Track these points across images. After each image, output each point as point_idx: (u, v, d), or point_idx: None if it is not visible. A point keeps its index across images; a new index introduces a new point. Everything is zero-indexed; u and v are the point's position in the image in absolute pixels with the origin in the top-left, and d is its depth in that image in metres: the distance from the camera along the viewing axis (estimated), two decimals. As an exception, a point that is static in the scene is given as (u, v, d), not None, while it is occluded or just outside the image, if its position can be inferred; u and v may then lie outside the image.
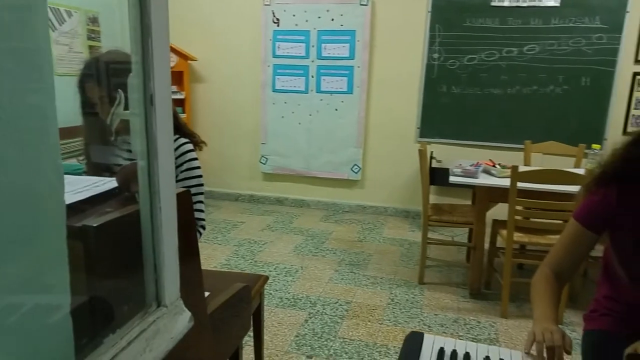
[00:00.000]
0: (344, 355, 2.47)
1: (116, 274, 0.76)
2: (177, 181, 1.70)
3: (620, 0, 4.05)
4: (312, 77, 4.77)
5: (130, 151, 1.48)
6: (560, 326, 1.24)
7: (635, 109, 4.24)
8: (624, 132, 4.27)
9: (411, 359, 1.11)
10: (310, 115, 4.86)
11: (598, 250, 1.49)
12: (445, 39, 4.42)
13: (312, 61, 4.75)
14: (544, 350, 1.16)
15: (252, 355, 2.18)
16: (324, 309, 2.95)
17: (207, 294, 1.55)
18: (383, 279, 3.42)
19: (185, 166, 1.73)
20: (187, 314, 0.82)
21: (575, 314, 2.92)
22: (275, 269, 3.53)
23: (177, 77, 4.87)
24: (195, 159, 1.77)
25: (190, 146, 1.75)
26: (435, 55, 4.47)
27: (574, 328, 2.78)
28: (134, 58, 0.68)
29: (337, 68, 4.70)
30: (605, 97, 4.21)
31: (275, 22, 4.75)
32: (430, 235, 3.44)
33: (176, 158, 1.72)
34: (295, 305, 2.99)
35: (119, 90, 0.77)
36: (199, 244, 3.62)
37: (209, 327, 1.18)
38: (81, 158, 1.67)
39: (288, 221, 4.67)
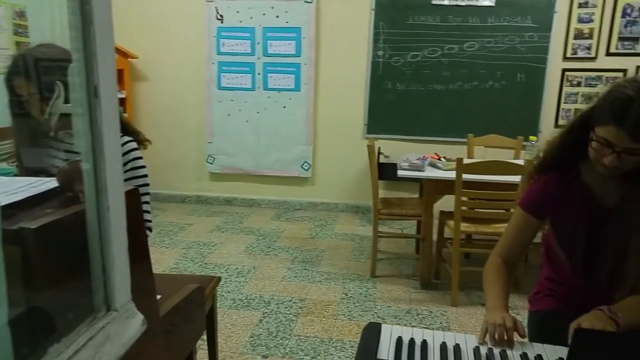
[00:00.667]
0: (300, 352, 2.46)
1: (60, 279, 0.71)
2: None
3: (549, 1, 4.25)
4: (259, 74, 4.72)
5: (68, 151, 1.41)
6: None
7: (565, 103, 4.47)
8: (556, 124, 4.49)
9: (370, 350, 1.12)
10: (257, 113, 4.81)
11: (537, 237, 1.57)
12: (390, 36, 4.49)
13: (258, 58, 4.70)
14: (496, 334, 1.20)
15: (207, 359, 2.13)
16: (278, 308, 2.93)
17: (158, 297, 1.50)
18: (336, 274, 3.44)
19: (129, 165, 1.66)
20: (140, 317, 0.78)
21: (519, 298, 3.04)
22: (226, 270, 3.47)
23: (118, 76, 4.68)
24: (140, 157, 1.70)
25: (134, 144, 1.68)
26: (380, 53, 4.54)
27: (518, 311, 2.89)
28: (74, 45, 0.64)
29: (284, 65, 4.68)
30: (539, 92, 4.41)
31: (219, 19, 4.67)
32: (380, 228, 3.48)
33: None
34: (248, 306, 2.95)
35: (58, 82, 0.72)
36: (147, 248, 3.45)
37: (161, 331, 1.14)
38: (12, 161, 1.57)
39: (238, 221, 4.61)
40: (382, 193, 4.58)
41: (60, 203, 0.77)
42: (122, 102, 4.71)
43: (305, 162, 4.87)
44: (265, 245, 3.99)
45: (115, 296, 0.72)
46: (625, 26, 4.25)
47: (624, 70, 4.26)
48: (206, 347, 2.10)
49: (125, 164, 1.65)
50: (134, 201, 0.92)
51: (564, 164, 1.42)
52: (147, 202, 1.73)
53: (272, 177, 5.00)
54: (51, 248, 0.69)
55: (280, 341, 2.56)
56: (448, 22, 4.38)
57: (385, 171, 4.46)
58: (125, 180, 1.64)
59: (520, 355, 1.15)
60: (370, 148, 3.33)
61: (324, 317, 2.83)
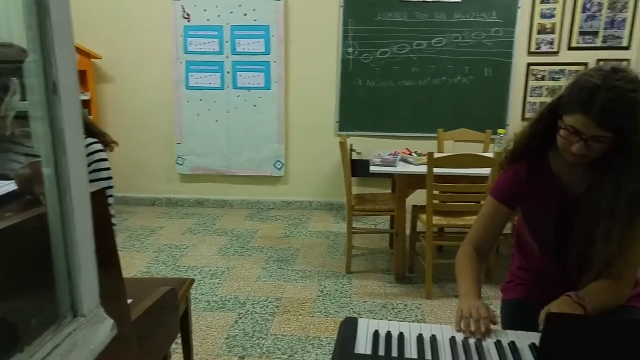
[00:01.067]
0: (277, 352, 2.44)
1: (22, 285, 0.68)
2: None
3: (513, -3, 4.34)
4: (228, 73, 4.67)
5: (29, 155, 1.36)
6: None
7: (531, 96, 4.57)
8: (523, 117, 4.59)
9: (348, 345, 1.12)
10: (228, 112, 4.76)
11: (507, 228, 1.59)
12: (359, 33, 4.50)
13: (227, 57, 4.65)
14: (472, 324, 1.21)
15: (182, 363, 2.10)
16: (254, 308, 2.90)
17: (129, 301, 1.46)
18: (312, 272, 3.43)
19: (93, 167, 1.61)
20: (109, 322, 0.76)
21: (491, 289, 3.09)
22: (200, 272, 3.42)
23: (81, 77, 4.54)
24: (105, 159, 1.65)
25: (99, 146, 1.64)
26: (350, 50, 4.54)
27: (491, 301, 2.94)
28: (31, 46, 0.61)
29: (253, 64, 4.64)
30: (506, 86, 4.50)
31: (185, 18, 4.59)
32: (354, 225, 3.49)
33: None
34: (224, 307, 2.91)
35: (13, 79, 0.69)
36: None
37: (134, 336, 1.11)
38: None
39: (210, 223, 4.55)
40: (355, 190, 4.60)
41: (21, 206, 0.73)
42: (86, 104, 4.60)
43: (278, 161, 4.85)
44: (239, 246, 3.95)
45: (83, 301, 0.70)
46: (586, 21, 4.37)
47: (586, 64, 4.37)
48: (181, 351, 2.07)
49: (89, 165, 1.60)
50: (101, 203, 0.89)
51: (534, 154, 1.45)
52: (110, 205, 1.69)
53: (244, 177, 4.95)
54: (12, 253, 0.65)
55: (257, 341, 2.54)
56: (416, 18, 4.41)
57: (358, 168, 4.48)
58: (89, 181, 1.59)
59: (495, 343, 1.17)
60: (343, 145, 3.33)
61: (300, 316, 2.82)
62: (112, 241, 0.98)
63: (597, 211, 1.29)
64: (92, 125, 1.69)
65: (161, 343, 1.44)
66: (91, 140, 1.64)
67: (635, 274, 1.39)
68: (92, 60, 4.65)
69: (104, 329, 0.74)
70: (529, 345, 1.16)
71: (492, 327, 1.23)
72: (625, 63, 4.38)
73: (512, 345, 1.15)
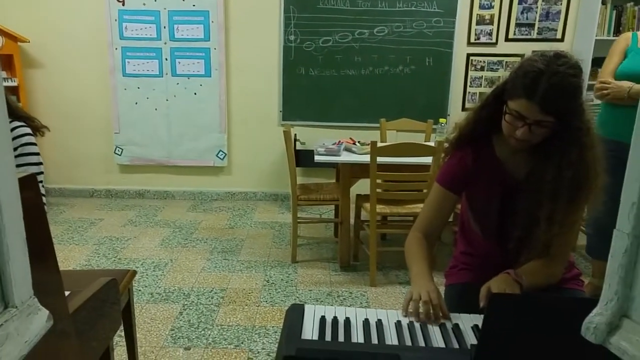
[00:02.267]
0: (223, 341, 2.42)
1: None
2: None
3: (453, -13, 4.45)
4: (166, 59, 4.53)
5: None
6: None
7: (470, 86, 4.72)
8: (463, 107, 4.73)
9: (295, 330, 1.12)
10: (167, 100, 4.62)
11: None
12: (300, 20, 4.47)
13: (165, 43, 4.50)
14: (421, 306, 1.23)
15: (126, 356, 2.04)
16: (198, 299, 2.85)
17: (67, 293, 1.39)
18: (257, 262, 3.41)
19: (19, 150, 1.53)
20: (45, 312, 0.72)
21: (435, 275, 3.18)
22: (142, 264, 3.33)
23: (6, 62, 4.29)
24: (34, 143, 1.57)
25: (26, 129, 1.55)
26: (292, 37, 4.51)
27: (437, 286, 3.03)
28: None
29: (193, 50, 4.51)
30: (446, 76, 4.61)
31: (119, 1, 4.40)
32: (299, 215, 3.50)
33: None
34: (167, 299, 2.85)
35: None
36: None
37: (72, 328, 1.06)
38: None
39: (152, 214, 4.43)
40: (299, 179, 4.60)
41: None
42: (14, 90, 4.32)
43: (221, 150, 4.77)
44: (182, 237, 3.87)
45: (14, 292, 0.66)
46: (522, 12, 4.54)
47: (522, 55, 4.51)
48: (124, 344, 2.01)
49: (15, 149, 1.51)
50: (32, 189, 0.84)
51: (478, 140, 1.48)
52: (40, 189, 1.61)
53: (186, 167, 4.84)
54: None
55: (202, 332, 2.50)
56: (358, 6, 4.43)
57: (303, 157, 4.48)
58: (17, 166, 1.50)
59: (439, 325, 1.20)
60: (287, 134, 3.32)
61: (246, 305, 2.80)
62: (46, 230, 0.93)
63: (540, 194, 1.33)
64: (18, 108, 1.60)
65: (102, 335, 1.39)
66: (17, 123, 1.55)
67: (569, 254, 1.47)
68: (19, 43, 4.37)
69: (39, 320, 0.70)
70: (472, 327, 1.20)
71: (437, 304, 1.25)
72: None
73: (456, 327, 1.19)
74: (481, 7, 4.53)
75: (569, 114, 1.27)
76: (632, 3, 4.19)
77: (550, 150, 1.32)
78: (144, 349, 2.33)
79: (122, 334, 1.96)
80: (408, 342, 1.12)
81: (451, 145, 1.53)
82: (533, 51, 4.40)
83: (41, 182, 1.62)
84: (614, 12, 4.23)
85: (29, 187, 0.79)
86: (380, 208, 3.10)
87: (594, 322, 0.63)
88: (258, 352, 2.34)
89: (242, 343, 2.41)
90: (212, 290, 2.97)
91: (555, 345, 0.93)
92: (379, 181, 2.97)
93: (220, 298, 2.88)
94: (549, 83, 1.22)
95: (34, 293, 0.73)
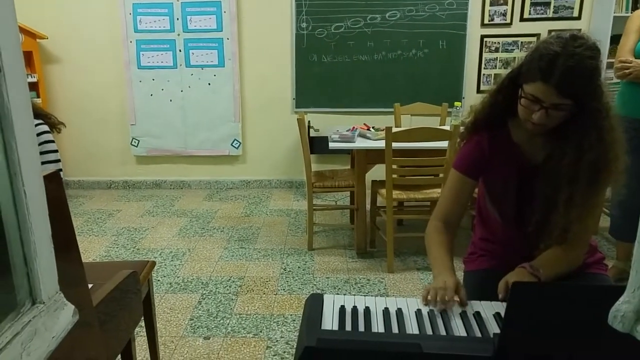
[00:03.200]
0: (242, 330, 2.45)
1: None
2: None
3: (466, -31, 4.36)
4: (180, 51, 4.54)
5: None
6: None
7: (485, 68, 4.65)
8: (478, 90, 4.67)
9: (315, 320, 1.12)
10: (181, 91, 4.64)
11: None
12: (312, 7, 4.44)
13: (178, 35, 4.51)
14: (438, 293, 1.23)
15: (146, 346, 2.07)
16: (216, 288, 2.88)
17: (90, 286, 1.42)
18: (273, 250, 3.43)
19: (39, 149, 1.55)
20: (70, 307, 0.73)
21: (454, 260, 3.18)
22: (160, 254, 3.37)
23: (26, 58, 4.31)
24: (52, 141, 1.59)
25: (44, 127, 1.57)
26: (304, 25, 4.48)
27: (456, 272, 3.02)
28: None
29: (206, 41, 4.51)
30: (460, 58, 4.55)
31: (133, -6, 4.41)
32: (315, 202, 3.50)
33: None
34: (186, 289, 2.88)
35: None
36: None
37: (96, 321, 1.08)
38: None
39: (169, 204, 4.47)
40: (314, 166, 4.60)
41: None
42: (33, 86, 4.38)
43: (235, 139, 4.78)
44: (199, 226, 3.91)
45: (41, 288, 0.67)
46: (537, -9, 4.46)
47: (538, 35, 4.48)
48: (145, 334, 2.04)
49: None
50: (56, 186, 0.85)
51: (494, 124, 1.45)
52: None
53: (201, 157, 4.87)
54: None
55: (221, 321, 2.53)
56: (369, -8, 4.39)
57: (317, 144, 4.48)
58: None
59: (460, 313, 1.19)
60: (301, 122, 3.31)
61: (263, 294, 2.82)
62: (69, 225, 0.95)
63: (559, 178, 1.31)
64: (35, 106, 1.61)
65: (124, 327, 1.42)
66: (36, 121, 1.56)
67: (589, 240, 1.45)
68: (38, 40, 4.43)
69: (65, 315, 0.71)
70: (494, 315, 1.18)
71: (458, 304, 1.23)
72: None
73: (477, 315, 1.18)
74: (494, -13, 4.45)
75: (587, 96, 1.24)
76: (651, -22, 4.08)
77: (569, 133, 1.29)
78: (164, 339, 2.37)
79: (143, 324, 2.00)
80: (429, 331, 1.11)
81: (467, 129, 1.50)
82: (549, 31, 4.31)
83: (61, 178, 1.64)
84: (633, -13, 4.13)
85: (53, 184, 0.80)
86: (397, 194, 3.09)
87: (621, 310, 0.62)
88: (277, 341, 2.36)
89: (260, 332, 2.44)
90: (230, 279, 3.00)
91: (579, 334, 0.92)
92: (394, 167, 2.95)
93: (238, 287, 2.91)
94: (566, 65, 1.19)
95: (60, 284, 0.75)
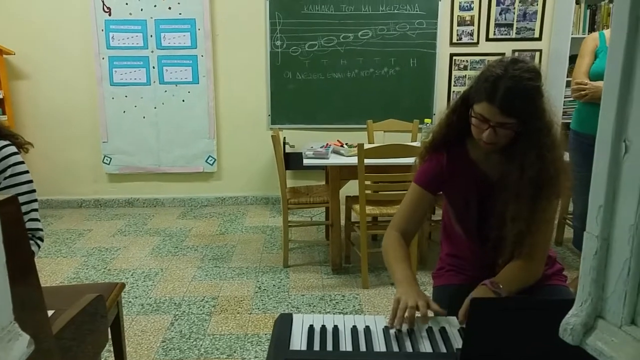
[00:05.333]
0: (216, 352, 2.42)
1: None
2: (1, 189, 1.48)
3: (433, -11, 4.49)
4: (154, 67, 4.52)
5: None
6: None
7: (455, 85, 4.77)
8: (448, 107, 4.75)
9: (283, 341, 1.12)
10: (155, 108, 4.61)
11: (439, 215, 1.64)
12: (286, 26, 4.49)
13: (152, 51, 4.50)
14: (405, 313, 1.23)
15: (115, 370, 2.03)
16: (190, 309, 2.85)
17: (51, 312, 1.39)
18: (248, 268, 3.41)
19: (9, 172, 1.51)
20: (25, 337, 0.72)
21: (425, 275, 3.21)
22: (132, 275, 3.31)
23: (-9, 75, 4.27)
24: (21, 162, 1.55)
25: (12, 149, 1.53)
26: (278, 43, 4.53)
27: (425, 287, 3.05)
28: None
29: (180, 58, 4.51)
30: (431, 76, 4.65)
31: (106, 11, 4.39)
32: (290, 218, 3.50)
33: None
34: (158, 310, 2.84)
35: None
36: (39, 259, 3.24)
37: (56, 349, 1.06)
38: None
39: (142, 223, 4.41)
40: (290, 182, 4.62)
41: None
42: (0, 103, 4.30)
43: (210, 156, 4.76)
44: (172, 245, 3.86)
45: (-7, 318, 0.66)
46: (500, 13, 4.62)
47: (502, 54, 4.60)
48: (114, 359, 2.00)
49: (4, 170, 1.50)
50: (13, 212, 0.84)
51: (452, 142, 1.51)
52: (35, 210, 1.59)
53: (175, 174, 4.83)
54: None
55: (194, 342, 2.50)
56: (342, 11, 4.47)
57: (292, 160, 4.50)
58: (7, 187, 1.49)
59: (426, 329, 1.21)
60: (275, 139, 3.32)
61: (238, 313, 2.80)
62: (27, 250, 0.93)
63: (506, 194, 1.38)
64: (2, 127, 1.58)
65: (89, 353, 1.39)
66: (2, 142, 1.53)
67: (546, 253, 1.49)
68: (4, 56, 4.35)
69: (19, 346, 0.70)
70: (458, 330, 1.21)
71: (425, 314, 1.24)
72: (537, 53, 4.66)
73: (442, 330, 1.20)
74: (461, 8, 4.59)
75: (529, 115, 1.31)
76: (605, 1, 4.25)
77: (515, 151, 1.36)
78: (136, 361, 2.32)
79: (112, 348, 1.96)
80: (396, 348, 1.12)
81: (425, 149, 1.56)
82: (513, 50, 4.45)
83: (36, 200, 1.59)
84: (588, 10, 4.33)
85: (10, 209, 0.79)
86: (370, 209, 3.11)
87: (570, 324, 0.64)
88: (251, 360, 2.34)
89: (234, 352, 2.41)
90: (203, 299, 2.97)
91: (537, 347, 0.95)
92: (367, 182, 2.98)
93: (211, 307, 2.87)
94: (506, 86, 1.28)
95: (16, 312, 0.73)
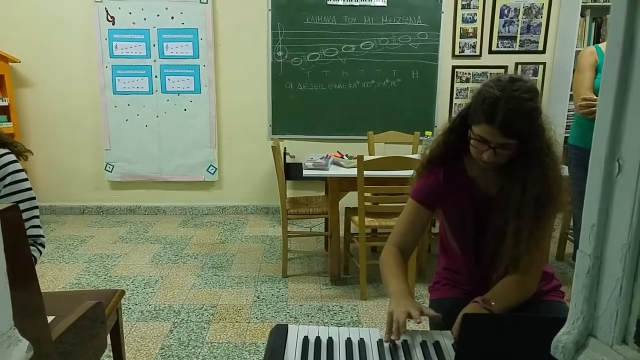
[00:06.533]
0: (213, 359, 2.42)
1: None
2: (1, 197, 1.50)
3: (436, 2, 4.51)
4: (156, 77, 4.56)
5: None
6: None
7: (456, 98, 4.78)
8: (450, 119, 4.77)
9: (277, 352, 1.13)
10: (157, 117, 4.64)
11: (437, 228, 1.65)
12: (288, 37, 4.52)
13: (155, 61, 4.53)
14: (400, 329, 1.23)
15: (113, 378, 2.03)
16: (189, 317, 2.85)
17: (51, 318, 1.40)
18: (247, 277, 3.41)
19: (9, 179, 1.52)
20: (25, 343, 0.73)
21: (424, 287, 3.21)
22: (132, 282, 3.32)
23: (-4, 82, 4.31)
24: (21, 170, 1.56)
25: (12, 157, 1.55)
26: (280, 53, 4.56)
27: (424, 300, 3.05)
28: None
29: (182, 67, 4.55)
30: (432, 88, 4.67)
31: (109, 20, 4.44)
32: (290, 228, 3.51)
33: None
34: (157, 317, 2.84)
35: None
36: (41, 264, 3.26)
37: (55, 354, 1.06)
38: None
39: (143, 230, 4.42)
40: (290, 193, 4.63)
41: None
42: (4, 110, 4.34)
43: (211, 165, 4.78)
44: (172, 253, 3.87)
45: (-6, 324, 0.67)
46: (504, 26, 4.63)
47: (505, 67, 4.63)
48: (112, 366, 2.00)
49: (4, 178, 1.51)
50: (14, 219, 0.86)
51: (450, 158, 1.51)
52: (36, 216, 1.60)
53: (176, 182, 4.85)
54: None
55: (192, 350, 2.50)
56: (344, 22, 4.50)
57: (292, 171, 4.51)
58: (7, 195, 1.51)
59: (420, 343, 1.21)
60: (275, 149, 3.34)
61: (236, 322, 2.80)
62: (28, 257, 0.94)
63: (507, 212, 1.37)
64: (1, 135, 1.59)
65: (87, 358, 1.39)
66: (2, 150, 1.54)
67: (541, 269, 1.49)
68: (10, 64, 4.40)
69: (19, 351, 0.71)
70: (452, 345, 1.21)
71: (418, 326, 1.25)
72: (540, 66, 4.67)
73: (437, 344, 1.20)
74: (464, 20, 4.61)
75: (529, 135, 1.31)
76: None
77: (515, 169, 1.36)
78: (134, 369, 2.33)
79: (112, 354, 1.96)
80: (389, 360, 1.13)
81: (422, 166, 1.55)
82: (516, 63, 4.44)
83: (36, 207, 1.60)
84: (593, 24, 4.31)
85: (11, 218, 0.81)
86: (369, 221, 3.12)
87: (562, 341, 0.65)
88: (248, 369, 2.34)
89: (232, 360, 2.41)
90: (202, 307, 2.97)
91: (528, 363, 0.95)
92: (367, 194, 2.99)
93: (210, 315, 2.88)
94: (507, 108, 1.27)
95: (15, 318, 0.74)
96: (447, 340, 1.23)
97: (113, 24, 4.45)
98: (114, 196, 4.91)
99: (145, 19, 4.45)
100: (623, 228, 0.58)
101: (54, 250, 3.88)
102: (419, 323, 1.25)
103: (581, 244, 0.63)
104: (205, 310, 2.94)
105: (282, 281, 3.36)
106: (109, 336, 1.88)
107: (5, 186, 1.52)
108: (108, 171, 4.75)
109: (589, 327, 0.63)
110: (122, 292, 1.94)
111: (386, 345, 1.20)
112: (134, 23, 4.46)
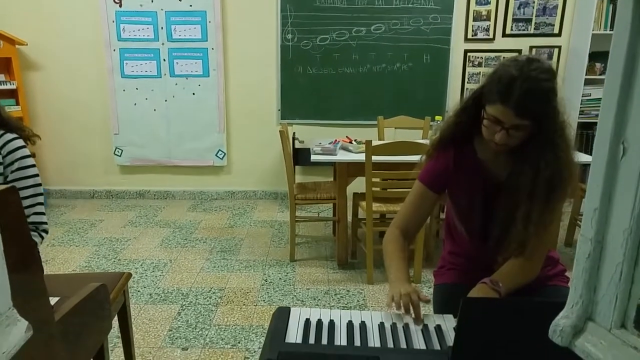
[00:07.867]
0: (221, 341, 2.44)
1: None
2: (7, 182, 1.51)
3: (449, -16, 4.43)
4: (164, 60, 4.55)
5: None
6: (418, 285, 1.36)
7: (468, 82, 4.71)
8: (461, 104, 4.71)
9: (279, 334, 1.13)
10: (166, 100, 4.64)
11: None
12: (297, 19, 4.47)
13: (163, 44, 4.52)
14: (402, 307, 1.26)
15: (123, 358, 2.06)
16: (197, 299, 2.88)
17: (55, 299, 1.41)
18: (255, 261, 3.43)
19: (16, 165, 1.53)
20: (24, 323, 0.74)
21: (431, 272, 3.20)
22: (141, 265, 3.35)
23: (4, 65, 4.32)
24: (29, 155, 1.57)
25: (20, 142, 1.56)
26: (289, 36, 4.52)
27: (430, 285, 3.04)
28: None
29: (191, 50, 4.53)
30: (444, 72, 4.60)
31: (117, 2, 4.42)
32: (298, 213, 3.51)
33: (4, 157, 1.52)
34: (166, 300, 2.87)
35: None
36: (52, 247, 3.30)
37: (58, 334, 1.08)
38: None
39: (152, 215, 4.45)
40: (299, 178, 4.63)
41: None
42: (12, 93, 4.36)
43: (220, 150, 4.79)
44: (181, 237, 3.90)
45: (-9, 304, 0.68)
46: (519, 8, 4.52)
47: (519, 51, 4.55)
48: (122, 345, 2.03)
49: (12, 164, 1.52)
50: (12, 201, 0.86)
51: (460, 141, 1.49)
52: (40, 203, 1.61)
53: (185, 167, 4.86)
54: None
55: (200, 332, 2.53)
56: (355, 4, 4.43)
57: (301, 156, 4.49)
58: (14, 180, 1.52)
59: (422, 327, 1.21)
60: (283, 134, 3.33)
61: (244, 305, 2.82)
62: (27, 239, 0.95)
63: (518, 195, 1.35)
64: (9, 118, 1.59)
65: (91, 340, 1.41)
66: (10, 135, 1.55)
67: (545, 253, 1.48)
68: (17, 46, 4.40)
69: (17, 331, 0.72)
70: (454, 328, 1.20)
71: (422, 310, 1.26)
72: (556, 49, 4.58)
73: (438, 328, 1.20)
74: (478, 3, 4.52)
75: (544, 116, 1.28)
76: (629, -4, 4.16)
77: (528, 151, 1.33)
78: (142, 350, 2.36)
79: (120, 335, 1.99)
80: (390, 344, 1.13)
81: (432, 147, 1.53)
82: (531, 46, 4.35)
83: (41, 193, 1.61)
84: (611, 6, 4.20)
85: (9, 199, 0.81)
86: (377, 206, 3.11)
87: (560, 325, 0.64)
88: (255, 352, 2.36)
89: (239, 343, 2.43)
90: (210, 290, 2.99)
91: (527, 347, 0.94)
92: (375, 180, 2.98)
93: (218, 298, 2.90)
94: (522, 88, 1.24)
95: (15, 299, 0.75)
96: (449, 323, 1.23)
97: (120, 6, 4.43)
98: (123, 180, 4.94)
99: (152, 2, 4.43)
100: (625, 212, 0.57)
101: (64, 234, 3.92)
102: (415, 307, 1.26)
103: (583, 228, 0.62)
104: (213, 293, 2.96)
105: (290, 265, 3.37)
106: (116, 318, 1.90)
107: (12, 171, 1.53)
108: (117, 155, 4.78)
109: (588, 312, 0.63)
110: (129, 275, 1.96)
111: (387, 326, 1.20)
112: (141, 5, 4.43)
